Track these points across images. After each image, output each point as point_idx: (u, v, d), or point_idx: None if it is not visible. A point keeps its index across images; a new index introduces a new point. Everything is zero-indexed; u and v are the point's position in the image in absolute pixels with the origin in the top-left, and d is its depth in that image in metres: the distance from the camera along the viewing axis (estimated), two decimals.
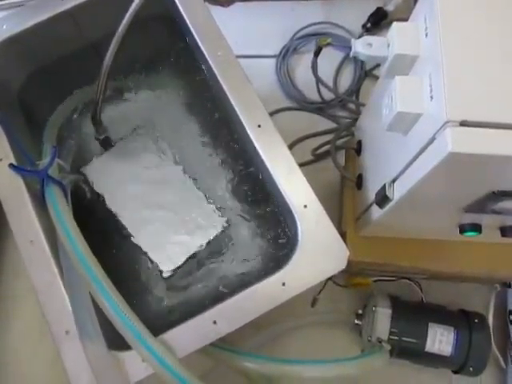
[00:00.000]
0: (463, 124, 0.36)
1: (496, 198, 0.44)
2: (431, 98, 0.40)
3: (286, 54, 0.94)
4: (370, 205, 0.58)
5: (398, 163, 0.47)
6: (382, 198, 0.50)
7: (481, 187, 0.43)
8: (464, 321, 0.70)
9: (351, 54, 0.47)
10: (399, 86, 0.42)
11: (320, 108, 0.91)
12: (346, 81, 0.93)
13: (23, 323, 0.79)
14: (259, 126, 0.55)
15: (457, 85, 0.37)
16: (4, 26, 0.61)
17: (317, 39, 0.92)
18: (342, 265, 0.49)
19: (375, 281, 0.75)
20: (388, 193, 0.49)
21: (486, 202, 0.45)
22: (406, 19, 0.47)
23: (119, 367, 0.47)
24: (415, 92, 0.42)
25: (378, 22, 0.94)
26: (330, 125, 0.90)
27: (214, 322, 0.48)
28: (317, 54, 0.52)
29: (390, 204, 0.50)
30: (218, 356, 0.55)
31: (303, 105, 0.91)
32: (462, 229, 0.54)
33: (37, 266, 0.51)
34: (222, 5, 1.03)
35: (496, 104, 0.37)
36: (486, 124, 0.36)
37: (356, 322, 0.74)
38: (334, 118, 0.90)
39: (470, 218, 0.52)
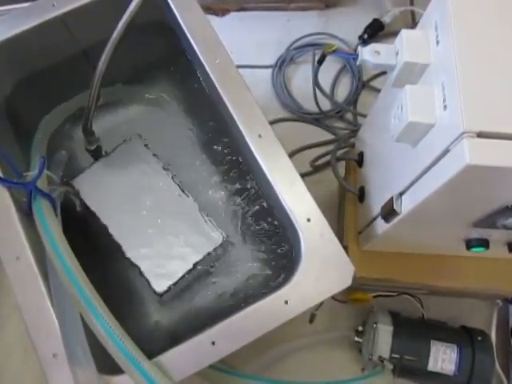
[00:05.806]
0: (480, 135, 0.35)
1: (509, 212, 0.42)
2: (445, 107, 0.38)
3: (282, 65, 0.93)
4: (374, 218, 0.56)
5: (407, 176, 0.45)
6: (389, 212, 0.48)
7: (494, 201, 0.42)
8: (466, 338, 0.68)
9: (358, 62, 0.45)
10: (410, 95, 0.41)
11: (316, 119, 0.89)
12: (342, 92, 0.92)
13: (7, 342, 0.76)
14: (260, 136, 0.53)
15: (473, 94, 0.36)
16: None
17: (315, 49, 0.91)
18: (348, 282, 0.47)
19: (375, 296, 0.73)
20: (395, 206, 0.47)
21: (498, 217, 0.44)
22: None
23: None
24: (427, 101, 0.40)
25: (374, 33, 0.93)
26: (327, 136, 0.88)
27: (213, 343, 0.46)
28: (320, 61, 0.50)
29: (397, 218, 0.48)
30: (216, 379, 0.53)
31: (299, 115, 0.89)
32: (469, 244, 0.53)
33: (23, 283, 0.48)
34: (216, 14, 1.02)
35: None
36: (505, 135, 0.35)
37: (356, 339, 0.72)
38: (331, 128, 0.89)
39: (477, 233, 0.51)
